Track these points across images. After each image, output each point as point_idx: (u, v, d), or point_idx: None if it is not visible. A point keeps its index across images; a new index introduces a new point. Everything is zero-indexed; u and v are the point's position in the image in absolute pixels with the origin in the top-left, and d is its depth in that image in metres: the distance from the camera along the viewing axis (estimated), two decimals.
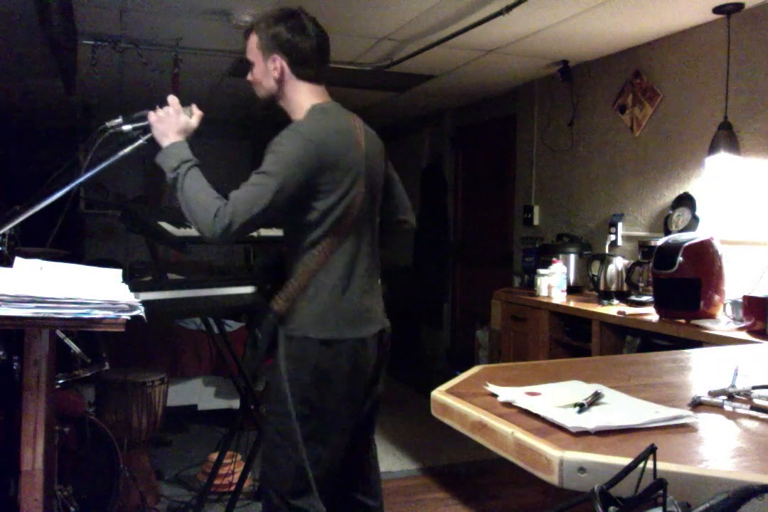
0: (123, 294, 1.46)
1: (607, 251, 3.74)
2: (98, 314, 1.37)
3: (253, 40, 1.84)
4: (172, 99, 1.82)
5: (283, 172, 1.68)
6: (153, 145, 1.81)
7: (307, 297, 1.79)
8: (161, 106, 1.81)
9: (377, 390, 2.01)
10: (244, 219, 1.65)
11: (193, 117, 1.84)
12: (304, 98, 1.86)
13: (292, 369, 1.77)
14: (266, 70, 1.84)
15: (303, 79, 1.85)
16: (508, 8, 2.96)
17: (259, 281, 1.90)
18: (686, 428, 1.11)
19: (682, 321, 2.71)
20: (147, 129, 1.81)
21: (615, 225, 3.77)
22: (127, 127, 1.81)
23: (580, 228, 4.14)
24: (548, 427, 1.08)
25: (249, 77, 1.91)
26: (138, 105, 1.86)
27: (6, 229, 1.70)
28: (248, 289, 2.54)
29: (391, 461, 3.64)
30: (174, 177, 1.72)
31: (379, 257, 1.99)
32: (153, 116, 1.80)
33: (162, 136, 1.79)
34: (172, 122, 1.79)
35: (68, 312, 1.35)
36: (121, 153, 1.77)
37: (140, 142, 1.81)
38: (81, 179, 1.72)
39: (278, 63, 1.82)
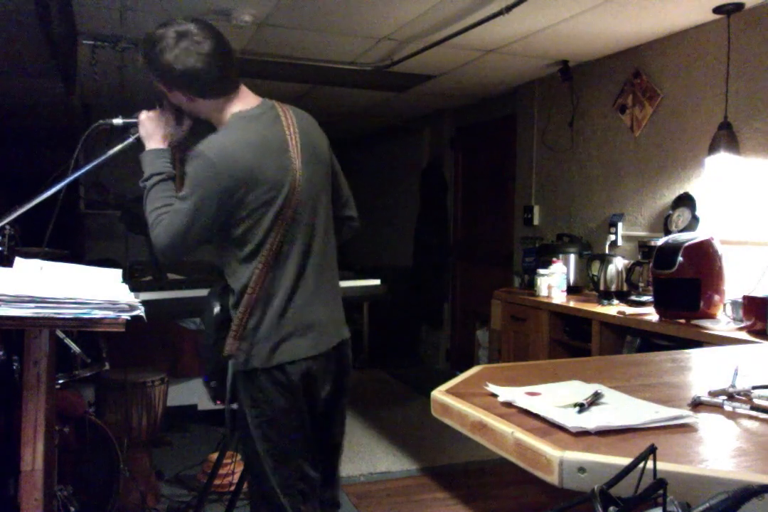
0: (123, 294, 1.46)
1: (607, 251, 3.74)
2: (98, 314, 1.37)
3: (155, 80, 1.74)
4: (168, 105, 1.81)
5: (194, 195, 1.65)
6: (143, 144, 1.82)
7: (253, 324, 1.73)
8: (161, 106, 1.81)
9: (342, 403, 1.95)
10: (173, 246, 1.70)
11: (183, 126, 1.83)
12: (223, 110, 1.76)
13: (248, 400, 1.74)
14: (174, 99, 1.77)
15: (214, 98, 1.74)
16: (508, 8, 2.96)
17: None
18: (686, 428, 1.11)
19: (682, 321, 2.71)
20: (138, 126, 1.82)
21: (615, 225, 3.77)
22: (118, 121, 1.81)
23: (580, 228, 4.14)
24: (548, 427, 1.08)
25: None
26: (138, 105, 1.86)
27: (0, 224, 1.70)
28: None
29: (391, 461, 3.64)
30: (142, 187, 1.76)
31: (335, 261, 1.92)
32: (144, 114, 1.79)
33: (148, 137, 1.78)
34: (161, 125, 1.79)
35: (68, 312, 1.35)
36: (112, 151, 1.77)
37: (130, 140, 1.81)
38: (72, 177, 1.72)
39: (181, 97, 1.74)
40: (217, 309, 1.79)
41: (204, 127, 1.80)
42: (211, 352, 1.76)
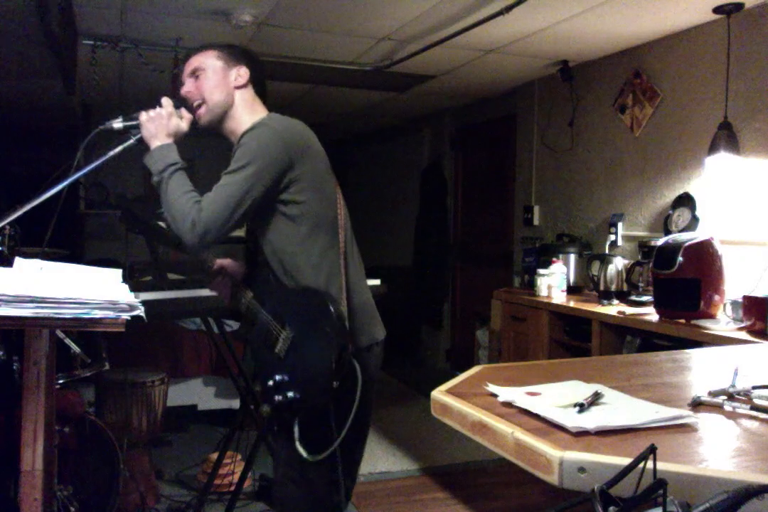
0: (123, 294, 1.46)
1: (607, 251, 3.74)
2: (98, 314, 1.36)
3: (211, 53, 1.85)
4: (166, 101, 1.80)
5: (254, 164, 1.65)
6: (143, 145, 1.80)
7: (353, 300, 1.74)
8: (160, 105, 1.81)
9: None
10: (219, 223, 1.63)
11: (183, 120, 1.81)
12: (258, 111, 1.84)
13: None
14: (225, 79, 1.82)
15: (259, 94, 1.87)
16: (508, 8, 2.96)
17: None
18: (686, 428, 1.11)
19: (682, 321, 2.71)
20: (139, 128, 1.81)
21: (615, 225, 3.77)
22: (118, 125, 1.80)
23: (580, 228, 4.14)
24: (548, 427, 1.08)
25: (188, 88, 1.84)
26: (138, 105, 1.86)
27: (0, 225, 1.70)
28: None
29: (391, 461, 3.64)
30: (158, 181, 1.71)
31: None
32: (144, 116, 1.78)
33: (151, 137, 1.76)
34: (163, 124, 1.77)
35: (68, 312, 1.34)
36: (112, 152, 1.76)
37: (130, 142, 1.79)
38: (72, 178, 1.71)
39: (243, 71, 1.84)
40: (333, 307, 1.62)
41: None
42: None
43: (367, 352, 1.76)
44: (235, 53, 1.86)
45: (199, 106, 1.82)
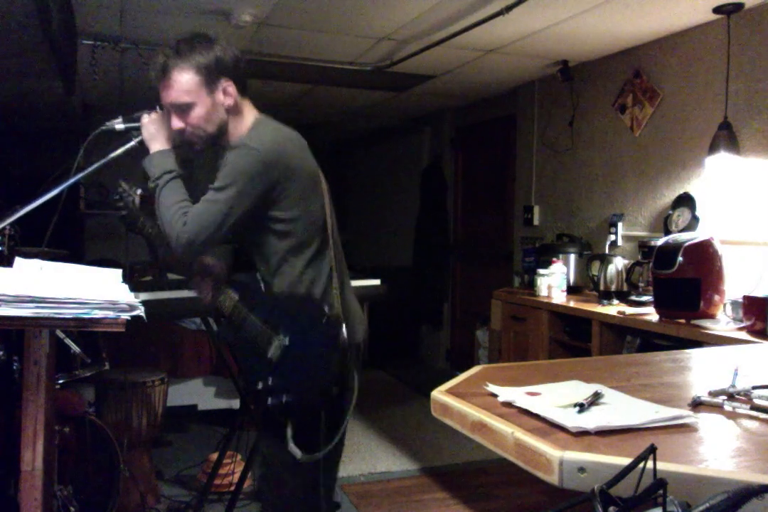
0: (123, 294, 1.46)
1: (607, 251, 3.74)
2: (98, 314, 1.37)
3: (187, 77, 1.69)
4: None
5: (237, 185, 1.65)
6: (144, 146, 1.81)
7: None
8: (161, 108, 1.81)
9: None
10: (202, 237, 1.66)
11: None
12: (247, 114, 1.80)
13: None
14: (214, 105, 1.73)
15: (245, 96, 1.80)
16: (508, 8, 2.96)
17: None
18: (686, 428, 1.11)
19: (682, 321, 2.71)
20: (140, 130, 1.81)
21: (615, 225, 3.77)
22: (120, 126, 1.80)
23: (580, 228, 4.14)
24: (548, 427, 1.08)
25: (179, 124, 1.74)
26: (138, 105, 1.86)
27: (0, 226, 1.70)
28: None
29: (391, 461, 3.64)
30: (153, 187, 1.74)
31: None
32: (146, 118, 1.79)
33: (151, 140, 1.77)
34: (164, 128, 1.78)
35: (68, 312, 1.35)
36: (114, 154, 1.77)
37: (132, 143, 1.80)
38: (73, 180, 1.71)
39: (230, 89, 1.74)
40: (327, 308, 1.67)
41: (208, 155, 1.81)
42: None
43: (351, 354, 1.77)
44: (212, 64, 1.70)
45: (194, 136, 1.77)
